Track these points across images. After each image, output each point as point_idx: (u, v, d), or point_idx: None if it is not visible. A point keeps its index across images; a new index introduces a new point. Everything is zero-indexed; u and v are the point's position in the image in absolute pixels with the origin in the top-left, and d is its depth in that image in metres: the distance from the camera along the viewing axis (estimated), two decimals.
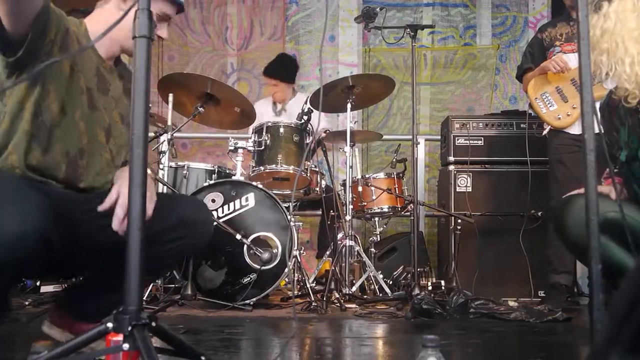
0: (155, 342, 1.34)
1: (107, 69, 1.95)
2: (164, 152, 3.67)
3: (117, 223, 1.69)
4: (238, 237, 3.31)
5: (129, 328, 1.19)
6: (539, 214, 3.90)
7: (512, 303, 3.27)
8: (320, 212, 4.21)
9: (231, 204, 3.42)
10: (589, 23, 1.27)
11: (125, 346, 1.18)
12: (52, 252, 1.48)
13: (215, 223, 3.33)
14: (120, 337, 1.21)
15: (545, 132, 3.67)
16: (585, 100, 1.24)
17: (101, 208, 1.73)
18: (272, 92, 4.74)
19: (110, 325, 1.21)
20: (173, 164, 3.83)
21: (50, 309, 2.03)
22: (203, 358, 1.37)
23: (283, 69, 4.67)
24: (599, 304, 1.14)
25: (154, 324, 1.24)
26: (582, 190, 2.07)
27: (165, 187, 3.62)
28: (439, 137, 4.70)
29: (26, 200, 1.43)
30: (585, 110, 1.24)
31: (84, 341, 1.22)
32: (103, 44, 1.89)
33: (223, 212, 3.41)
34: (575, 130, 3.46)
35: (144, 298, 3.34)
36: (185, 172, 3.81)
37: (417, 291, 3.35)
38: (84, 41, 1.84)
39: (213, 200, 3.42)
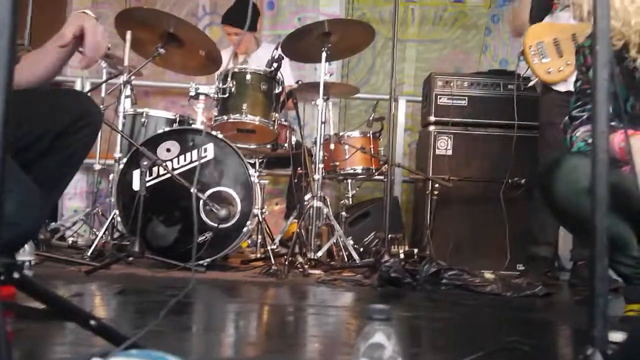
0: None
1: None
2: (123, 97, 3.36)
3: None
4: (193, 190, 3.01)
5: None
6: (522, 181, 3.63)
7: (488, 275, 3.02)
8: (289, 170, 3.90)
9: (188, 155, 3.10)
10: None
11: None
12: None
13: (169, 175, 3.05)
14: None
15: (533, 82, 3.37)
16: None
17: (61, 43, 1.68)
18: (234, 42, 4.32)
19: None
20: (132, 111, 3.51)
21: None
22: (93, 322, 1.08)
23: (245, 16, 4.16)
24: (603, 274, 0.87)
25: (16, 275, 0.95)
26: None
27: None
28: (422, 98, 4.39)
29: None
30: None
31: None
32: None
33: (179, 163, 3.09)
34: (562, 87, 3.20)
35: (89, 254, 3.05)
36: (143, 119, 3.50)
37: (386, 258, 3.08)
38: None
39: (168, 150, 3.10)
